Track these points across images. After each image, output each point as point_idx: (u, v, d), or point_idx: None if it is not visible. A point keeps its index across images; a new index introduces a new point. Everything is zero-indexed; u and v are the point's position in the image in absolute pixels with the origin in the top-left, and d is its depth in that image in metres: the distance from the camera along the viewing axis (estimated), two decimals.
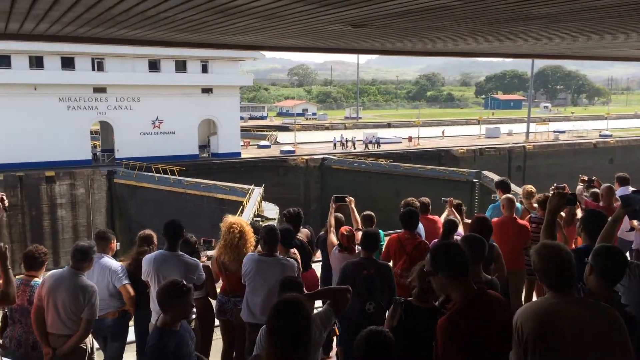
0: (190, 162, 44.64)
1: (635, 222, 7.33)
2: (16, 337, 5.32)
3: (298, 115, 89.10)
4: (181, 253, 5.73)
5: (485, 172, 40.64)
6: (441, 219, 8.01)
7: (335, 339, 6.70)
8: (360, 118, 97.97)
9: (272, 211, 31.74)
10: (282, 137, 65.09)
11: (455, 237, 6.58)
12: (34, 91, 41.18)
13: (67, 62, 42.96)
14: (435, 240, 7.12)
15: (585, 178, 9.08)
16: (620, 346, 3.03)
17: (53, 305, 5.09)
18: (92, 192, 41.09)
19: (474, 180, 40.41)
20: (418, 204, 7.84)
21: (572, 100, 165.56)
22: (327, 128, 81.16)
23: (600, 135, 67.11)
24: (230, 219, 6.30)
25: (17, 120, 40.02)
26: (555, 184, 8.13)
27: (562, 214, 7.50)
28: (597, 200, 8.01)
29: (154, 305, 5.71)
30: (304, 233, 7.18)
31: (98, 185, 41.33)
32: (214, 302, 6.43)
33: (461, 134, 70.21)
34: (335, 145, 57.19)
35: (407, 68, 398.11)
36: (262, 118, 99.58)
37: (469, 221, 7.09)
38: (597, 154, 57.80)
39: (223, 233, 6.19)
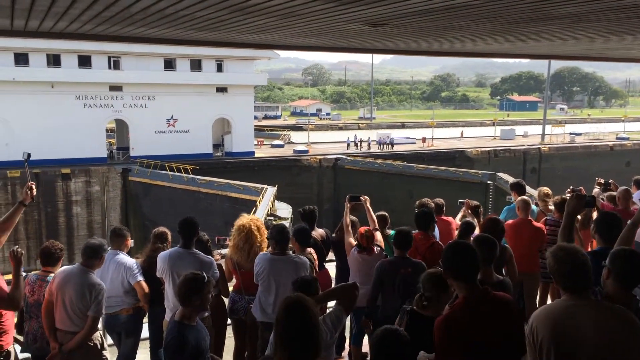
0: (204, 160, 44.85)
1: None
2: (32, 332, 5.37)
3: (312, 115, 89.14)
4: (196, 251, 5.74)
5: (500, 174, 40.36)
6: (456, 220, 7.96)
7: (347, 339, 6.69)
8: (374, 118, 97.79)
9: (285, 210, 31.77)
10: (295, 136, 65.19)
11: (470, 238, 6.53)
12: (51, 89, 41.67)
13: (84, 61, 43.38)
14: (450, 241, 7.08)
15: (602, 181, 8.97)
16: (637, 350, 2.99)
17: (61, 301, 5.12)
18: (107, 189, 41.45)
19: (488, 181, 40.15)
20: (433, 204, 7.79)
21: (589, 102, 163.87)
22: (340, 128, 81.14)
23: (617, 138, 66.31)
24: (242, 219, 6.30)
25: (34, 117, 40.52)
26: (571, 187, 8.03)
27: (578, 216, 7.41)
28: (614, 204, 7.90)
29: (167, 303, 5.73)
30: (318, 233, 7.16)
31: (113, 182, 41.68)
32: (226, 301, 6.45)
33: (476, 136, 69.78)
34: (348, 145, 57.12)
35: (421, 68, 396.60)
36: (275, 117, 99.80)
37: None
38: (613, 157, 57.14)
39: (233, 234, 6.21)
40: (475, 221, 7.60)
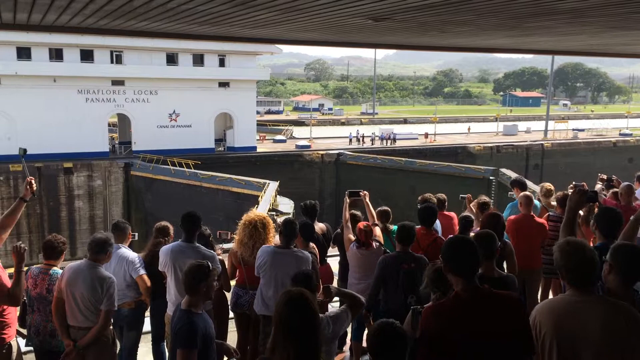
0: (206, 155, 44.86)
1: None
2: (35, 325, 5.39)
3: (314, 110, 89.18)
4: (198, 245, 5.75)
5: (503, 170, 40.28)
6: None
7: (349, 333, 6.71)
8: (376, 114, 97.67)
9: (287, 205, 31.77)
10: (297, 131, 65.12)
11: (471, 234, 6.54)
12: (53, 83, 41.67)
13: (86, 55, 43.37)
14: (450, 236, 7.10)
15: (605, 177, 8.95)
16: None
17: (72, 297, 5.12)
18: (109, 183, 41.52)
19: (491, 177, 40.09)
20: (435, 200, 7.80)
21: (592, 98, 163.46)
22: (343, 123, 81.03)
23: (620, 134, 66.10)
24: (249, 215, 6.30)
25: (36, 111, 40.55)
26: (573, 182, 8.01)
27: (580, 212, 7.40)
28: (617, 199, 7.89)
29: (169, 296, 5.75)
30: (319, 227, 7.17)
31: (115, 177, 41.74)
32: (228, 295, 6.46)
33: (478, 131, 69.67)
34: (350, 140, 57.06)
35: (424, 64, 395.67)
36: (278, 112, 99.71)
37: None
38: (616, 153, 56.98)
39: (239, 229, 6.21)
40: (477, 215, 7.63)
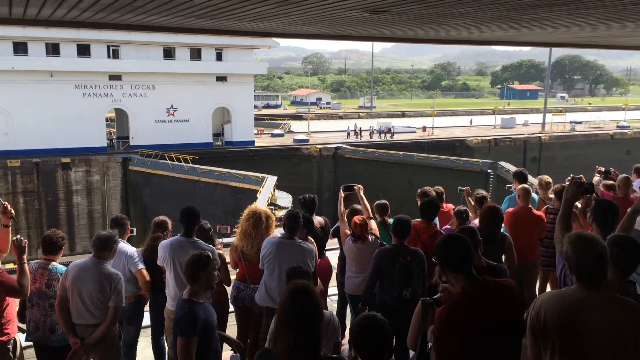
0: (204, 150, 44.82)
1: None
2: (34, 320, 5.39)
3: (312, 104, 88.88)
4: (197, 239, 5.76)
5: (502, 163, 40.30)
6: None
7: (348, 326, 6.74)
8: (374, 107, 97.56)
9: (285, 200, 31.80)
10: (295, 126, 65.06)
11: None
12: (50, 78, 41.53)
13: (83, 49, 43.20)
14: (447, 226, 7.14)
15: (602, 169, 8.96)
16: None
17: (78, 295, 5.11)
18: (107, 179, 41.47)
19: (489, 170, 40.11)
20: (434, 193, 7.81)
21: (590, 90, 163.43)
22: (340, 117, 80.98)
23: (618, 127, 66.16)
24: (252, 206, 6.33)
25: (33, 106, 40.42)
26: (571, 175, 8.03)
27: (578, 204, 7.42)
28: (614, 192, 7.90)
29: (168, 291, 5.76)
30: (317, 221, 7.19)
31: (113, 172, 41.70)
32: (228, 289, 6.47)
33: (476, 124, 69.68)
34: (348, 134, 57.03)
35: (422, 57, 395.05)
36: (276, 107, 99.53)
37: None
38: (613, 145, 57.05)
39: (241, 221, 6.22)
40: (474, 209, 7.66)
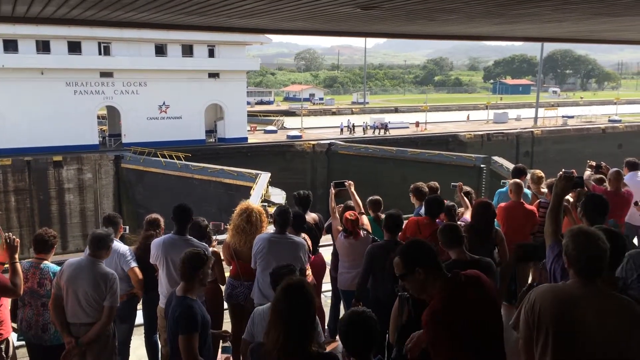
0: (196, 147, 44.70)
1: None
2: (26, 319, 5.37)
3: (305, 100, 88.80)
4: (190, 237, 5.74)
5: (495, 158, 40.45)
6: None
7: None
8: (367, 103, 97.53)
9: (278, 196, 31.80)
10: (288, 122, 64.96)
11: (460, 222, 6.59)
12: (40, 75, 41.26)
13: (74, 47, 42.94)
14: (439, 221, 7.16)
15: (594, 163, 9.00)
16: (638, 344, 2.98)
17: (73, 294, 5.09)
18: (99, 176, 41.30)
19: (482, 165, 40.26)
20: (427, 188, 7.83)
21: (582, 84, 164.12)
22: (334, 113, 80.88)
23: (609, 121, 66.50)
24: (245, 202, 6.33)
25: (24, 104, 40.18)
26: (563, 169, 8.06)
27: (570, 199, 7.46)
28: (605, 185, 7.95)
29: (161, 289, 5.75)
30: (311, 217, 7.20)
31: (105, 170, 41.52)
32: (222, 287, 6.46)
33: (470, 119, 69.86)
34: (342, 130, 57.01)
35: (415, 52, 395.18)
36: (268, 103, 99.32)
37: None
38: (605, 139, 57.38)
39: (234, 217, 6.21)
40: (467, 204, 7.68)
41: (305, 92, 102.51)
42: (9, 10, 5.19)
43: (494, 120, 66.67)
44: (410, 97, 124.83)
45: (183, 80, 46.12)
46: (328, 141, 48.88)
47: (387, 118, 63.28)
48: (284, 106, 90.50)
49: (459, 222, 6.47)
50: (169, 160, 39.41)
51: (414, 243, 3.57)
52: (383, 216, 7.03)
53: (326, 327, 7.11)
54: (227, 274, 6.42)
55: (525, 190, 8.14)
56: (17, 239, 4.95)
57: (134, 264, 5.92)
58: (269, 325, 3.06)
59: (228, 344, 4.77)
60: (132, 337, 6.37)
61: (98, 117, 46.24)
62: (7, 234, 4.95)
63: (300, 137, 51.57)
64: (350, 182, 7.33)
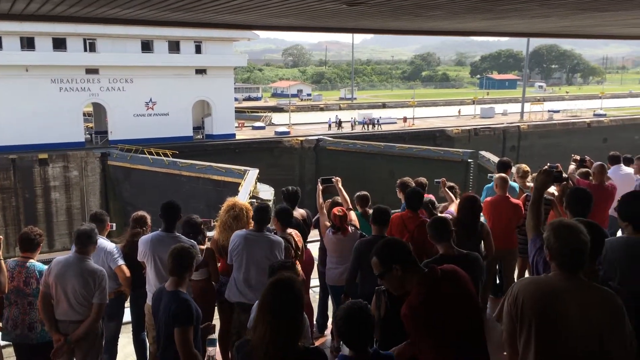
0: (184, 144, 44.48)
1: None
2: (12, 318, 5.34)
3: (293, 96, 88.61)
4: (178, 234, 5.72)
5: (483, 152, 40.66)
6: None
7: (330, 317, 6.78)
8: (355, 99, 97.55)
9: (267, 192, 31.76)
10: (276, 118, 64.83)
11: (447, 215, 6.65)
12: (25, 72, 40.77)
13: (59, 43, 42.48)
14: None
15: (578, 157, 9.10)
16: (618, 335, 3.03)
17: (62, 291, 5.08)
18: (85, 174, 40.94)
19: (469, 160, 40.47)
20: (413, 184, 7.86)
21: (567, 79, 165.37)
22: (321, 109, 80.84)
23: (595, 115, 67.13)
24: (231, 199, 6.32)
25: (9, 102, 39.70)
26: (548, 163, 8.15)
27: (555, 192, 7.55)
28: (589, 179, 8.05)
29: (149, 287, 5.73)
30: (299, 213, 7.21)
31: (92, 167, 41.18)
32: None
33: (456, 114, 70.18)
34: (330, 126, 57.02)
35: (402, 48, 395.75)
36: (256, 99, 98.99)
37: None
38: (591, 134, 57.94)
39: (221, 213, 6.21)
40: (452, 198, 7.75)
41: (293, 88, 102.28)
42: None
43: (481, 115, 67.03)
44: (398, 92, 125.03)
45: (170, 77, 45.82)
46: (316, 137, 48.85)
47: (375, 113, 63.33)
48: (272, 102, 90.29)
49: (445, 214, 6.52)
50: (156, 157, 39.18)
51: (388, 241, 3.60)
52: (371, 211, 7.07)
53: (314, 322, 7.13)
54: None
55: (513, 183, 8.22)
56: (1, 237, 4.92)
57: (121, 262, 5.90)
58: (255, 320, 3.06)
59: (214, 336, 4.81)
60: (120, 335, 6.35)
61: (84, 114, 45.82)
62: None
63: (288, 133, 51.48)
64: (337, 178, 7.35)
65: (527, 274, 7.84)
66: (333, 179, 7.31)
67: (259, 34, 51.37)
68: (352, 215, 6.73)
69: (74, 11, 5.42)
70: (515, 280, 7.22)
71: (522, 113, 64.78)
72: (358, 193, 7.32)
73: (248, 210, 6.19)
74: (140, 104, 45.32)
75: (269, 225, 6.12)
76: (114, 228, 6.41)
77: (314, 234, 7.70)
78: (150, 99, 45.63)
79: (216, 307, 6.52)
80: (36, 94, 40.79)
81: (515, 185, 8.36)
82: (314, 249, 7.62)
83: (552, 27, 7.64)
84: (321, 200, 7.04)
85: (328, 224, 6.59)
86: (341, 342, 3.40)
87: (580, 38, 9.51)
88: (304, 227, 7.09)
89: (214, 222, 6.74)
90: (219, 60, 47.99)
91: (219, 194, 32.01)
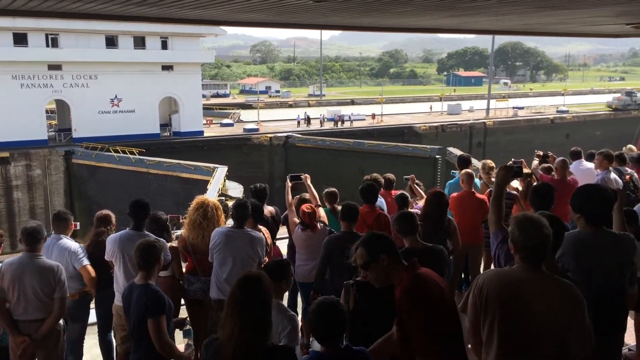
0: (151, 141, 43.83)
1: None
2: None
3: (261, 92, 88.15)
4: (147, 233, 5.66)
5: (451, 148, 41.21)
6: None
7: (299, 314, 6.79)
8: (324, 95, 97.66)
9: (236, 190, 31.57)
10: (245, 115, 64.37)
11: (415, 210, 6.73)
12: None
13: (20, 38, 41.32)
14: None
15: (541, 153, 9.32)
16: (577, 325, 3.12)
17: (21, 292, 4.99)
18: (49, 173, 39.98)
19: (437, 156, 40.97)
20: (383, 180, 7.93)
21: (531, 76, 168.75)
22: (290, 106, 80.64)
23: (558, 111, 68.76)
24: (200, 197, 6.28)
25: None
26: (512, 159, 8.32)
27: (519, 187, 7.70)
28: (552, 174, 8.25)
29: (117, 286, 5.65)
30: (268, 210, 7.19)
31: (55, 165, 40.24)
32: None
33: (426, 111, 70.98)
34: (299, 123, 56.94)
35: (370, 45, 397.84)
36: (225, 96, 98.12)
37: None
38: (554, 130, 59.32)
39: (190, 211, 6.15)
40: (421, 194, 7.84)
41: (261, 84, 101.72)
42: None
43: (448, 111, 67.90)
44: (367, 89, 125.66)
45: (135, 73, 45.03)
46: (285, 134, 48.76)
47: (344, 110, 63.53)
48: (240, 99, 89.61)
49: (414, 210, 6.60)
50: (122, 155, 38.51)
51: (375, 233, 3.65)
52: (339, 208, 7.10)
53: None
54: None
55: (475, 179, 8.35)
56: None
57: (86, 262, 5.79)
58: (224, 317, 3.05)
59: (188, 327, 4.84)
60: (86, 337, 6.23)
61: (47, 112, 44.70)
62: None
63: (257, 130, 51.24)
64: (306, 175, 7.36)
65: (492, 268, 8.00)
66: (302, 176, 7.33)
67: (226, 29, 51.02)
68: (321, 212, 6.75)
69: (34, 5, 5.28)
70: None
71: (487, 110, 65.90)
72: (326, 190, 7.33)
73: (218, 208, 6.16)
74: (105, 101, 44.45)
75: None
76: (79, 227, 6.28)
77: (282, 231, 7.70)
78: (116, 96, 44.80)
79: (185, 306, 6.48)
80: None
81: (477, 181, 8.50)
82: (282, 246, 7.62)
83: (516, 25, 7.79)
84: (290, 197, 7.04)
85: (297, 220, 6.59)
86: (311, 339, 3.41)
87: (543, 36, 9.73)
88: (272, 224, 7.09)
89: (182, 218, 6.67)
90: (186, 56, 47.42)
91: (188, 192, 31.65)
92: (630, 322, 5.50)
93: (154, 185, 36.07)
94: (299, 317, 6.94)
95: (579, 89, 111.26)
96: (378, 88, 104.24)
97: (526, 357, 3.18)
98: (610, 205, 4.10)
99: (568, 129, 60.17)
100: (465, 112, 67.70)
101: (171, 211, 8.13)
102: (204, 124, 51.13)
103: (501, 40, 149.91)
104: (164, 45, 47.19)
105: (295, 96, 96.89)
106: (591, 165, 9.25)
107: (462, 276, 8.10)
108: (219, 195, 27.78)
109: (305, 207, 6.38)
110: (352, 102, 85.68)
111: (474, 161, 28.02)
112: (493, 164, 8.94)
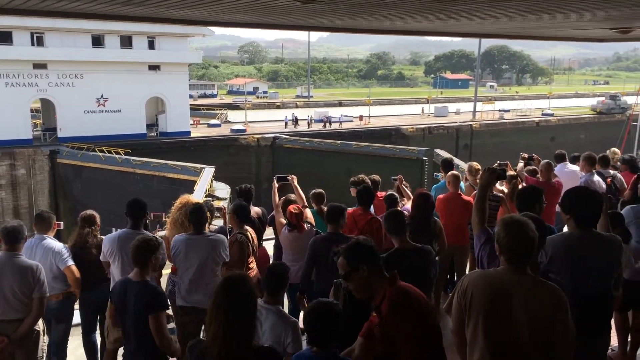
0: (137, 141, 43.52)
1: None
2: None
3: (249, 93, 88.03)
4: (145, 232, 5.65)
5: (438, 150, 41.42)
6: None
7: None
8: (311, 97, 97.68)
9: (223, 190, 31.44)
10: (232, 115, 64.20)
11: (403, 210, 6.74)
12: None
13: (4, 37, 40.84)
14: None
15: (526, 155, 9.41)
16: (561, 327, 3.14)
17: (0, 292, 4.95)
18: (33, 172, 39.54)
19: (424, 158, 41.16)
20: (369, 181, 7.94)
21: (517, 79, 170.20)
22: (278, 107, 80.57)
23: (543, 114, 69.41)
24: (184, 197, 6.26)
25: None
26: (498, 161, 8.39)
27: (505, 189, 7.76)
28: (536, 177, 8.32)
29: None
30: (254, 211, 7.18)
31: (40, 165, 39.80)
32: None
33: (412, 113, 71.30)
34: (286, 124, 56.89)
35: (358, 47, 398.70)
36: (212, 96, 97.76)
37: None
38: (539, 133, 59.92)
39: (173, 210, 6.12)
40: (409, 195, 7.87)
41: (249, 85, 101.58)
42: None
43: (435, 113, 68.27)
44: (354, 90, 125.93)
45: (122, 73, 44.69)
46: (272, 135, 48.69)
47: (331, 112, 63.57)
48: (228, 100, 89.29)
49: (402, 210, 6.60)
50: (108, 155, 38.19)
51: (357, 242, 3.59)
52: (326, 209, 7.10)
53: None
54: (168, 271, 6.31)
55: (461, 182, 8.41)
56: None
57: (70, 262, 5.75)
58: (208, 319, 3.04)
59: (172, 325, 4.87)
60: (70, 338, 6.17)
61: (32, 111, 44.21)
62: None
63: (244, 130, 51.10)
64: (293, 176, 7.36)
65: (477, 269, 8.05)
66: (289, 177, 7.33)
67: (214, 30, 50.84)
68: (308, 212, 6.75)
69: (18, 4, 5.22)
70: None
71: (474, 112, 66.35)
72: (313, 191, 7.34)
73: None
74: (91, 101, 44.07)
75: (228, 225, 6.06)
76: (62, 227, 6.23)
77: (269, 232, 7.69)
78: (102, 95, 44.44)
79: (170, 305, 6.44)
80: None
81: (462, 184, 8.56)
82: (269, 247, 7.61)
83: (502, 28, 7.85)
84: (277, 198, 7.04)
85: (284, 221, 6.58)
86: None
87: (529, 39, 9.81)
88: (259, 225, 7.08)
89: (165, 216, 6.64)
90: (173, 56, 47.17)
91: (174, 192, 31.35)
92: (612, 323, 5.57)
93: (141, 186, 35.81)
94: None
95: (564, 93, 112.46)
96: (365, 90, 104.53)
97: (510, 358, 3.21)
98: (601, 208, 4.15)
99: (553, 132, 60.82)
100: (452, 115, 68.13)
101: (158, 210, 8.09)
102: (191, 124, 50.89)
103: (488, 43, 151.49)
104: (151, 45, 46.90)
105: (282, 97, 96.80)
106: (576, 167, 9.35)
107: (448, 277, 8.14)
108: (206, 196, 27.65)
109: (292, 207, 6.38)
110: (340, 104, 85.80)
111: (461, 163, 28.27)
112: (479, 166, 9.00)
